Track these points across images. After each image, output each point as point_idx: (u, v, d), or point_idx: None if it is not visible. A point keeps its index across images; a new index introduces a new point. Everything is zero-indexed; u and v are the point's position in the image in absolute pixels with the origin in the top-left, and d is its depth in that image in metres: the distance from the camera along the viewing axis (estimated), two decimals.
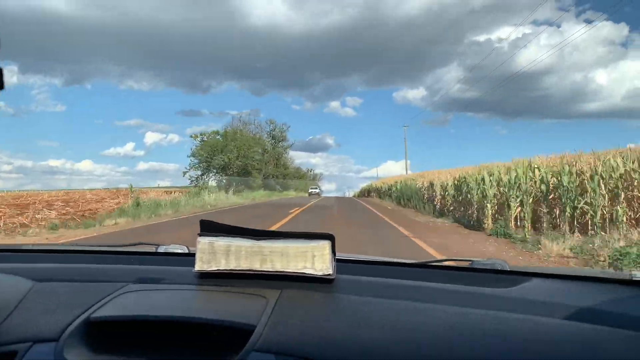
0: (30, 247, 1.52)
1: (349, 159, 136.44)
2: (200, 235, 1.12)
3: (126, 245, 1.54)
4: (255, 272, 1.08)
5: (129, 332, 0.92)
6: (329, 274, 1.07)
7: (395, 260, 1.40)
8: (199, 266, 1.10)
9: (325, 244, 1.08)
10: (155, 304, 0.99)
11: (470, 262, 1.33)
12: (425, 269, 1.32)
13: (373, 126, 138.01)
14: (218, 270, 1.09)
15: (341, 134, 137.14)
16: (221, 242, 1.10)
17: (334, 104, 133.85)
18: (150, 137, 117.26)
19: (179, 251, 1.47)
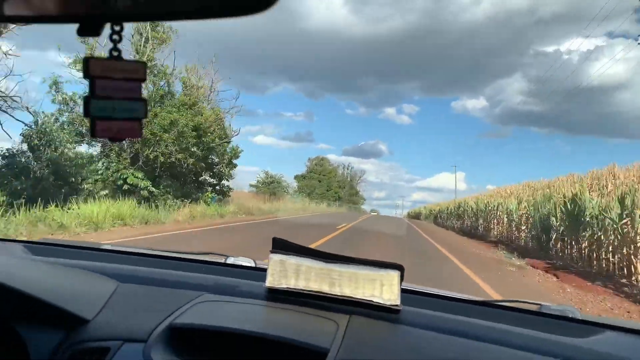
0: (111, 248, 1.63)
1: (400, 167, 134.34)
2: (272, 252, 1.17)
3: (198, 254, 1.62)
4: (324, 295, 1.11)
5: (207, 340, 0.97)
6: (396, 305, 1.08)
7: (460, 296, 1.39)
8: (269, 282, 1.15)
9: (395, 274, 1.10)
10: (233, 316, 1.04)
11: (538, 306, 1.30)
12: (492, 308, 1.30)
13: (428, 135, 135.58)
14: (288, 288, 1.13)
15: (394, 142, 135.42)
16: (292, 260, 1.15)
17: (390, 110, 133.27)
18: None
19: (247, 264, 1.53)
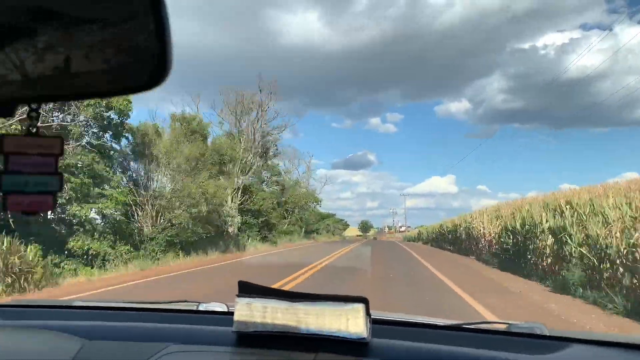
0: (80, 304, 1.62)
1: (390, 175, 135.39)
2: (238, 296, 1.16)
3: (170, 303, 1.60)
4: (292, 334, 1.11)
5: None
6: (363, 338, 1.08)
7: (430, 321, 1.39)
8: (236, 327, 1.14)
9: (360, 307, 1.10)
10: None
11: (507, 325, 1.30)
12: (461, 332, 1.31)
13: (415, 141, 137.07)
14: (255, 331, 1.12)
15: (382, 151, 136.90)
16: (258, 303, 1.14)
17: (374, 120, 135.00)
18: None
19: (219, 309, 1.52)
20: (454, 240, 23.77)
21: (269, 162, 38.69)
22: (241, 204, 28.94)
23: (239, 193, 28.55)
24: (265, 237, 31.82)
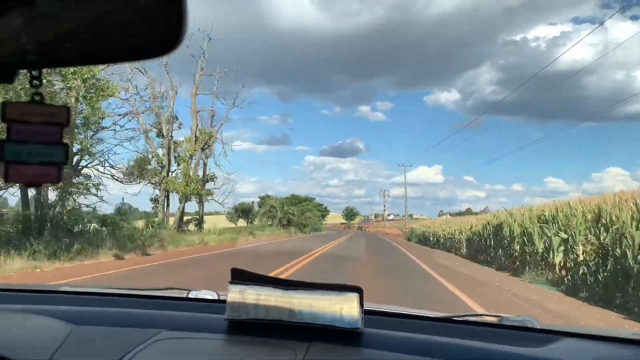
0: (67, 289, 1.59)
1: (378, 163, 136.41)
2: (231, 283, 1.15)
3: (159, 290, 1.58)
4: (285, 323, 1.10)
5: None
6: (357, 327, 1.08)
7: (423, 313, 1.40)
8: (228, 314, 1.13)
9: (354, 297, 1.09)
10: (189, 353, 1.02)
11: (499, 318, 1.32)
12: (454, 324, 1.31)
13: (404, 131, 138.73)
14: (248, 319, 1.11)
15: (371, 139, 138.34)
16: (251, 291, 1.13)
17: (364, 108, 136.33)
18: None
19: (209, 297, 1.51)
20: None
21: None
22: None
23: None
24: None
